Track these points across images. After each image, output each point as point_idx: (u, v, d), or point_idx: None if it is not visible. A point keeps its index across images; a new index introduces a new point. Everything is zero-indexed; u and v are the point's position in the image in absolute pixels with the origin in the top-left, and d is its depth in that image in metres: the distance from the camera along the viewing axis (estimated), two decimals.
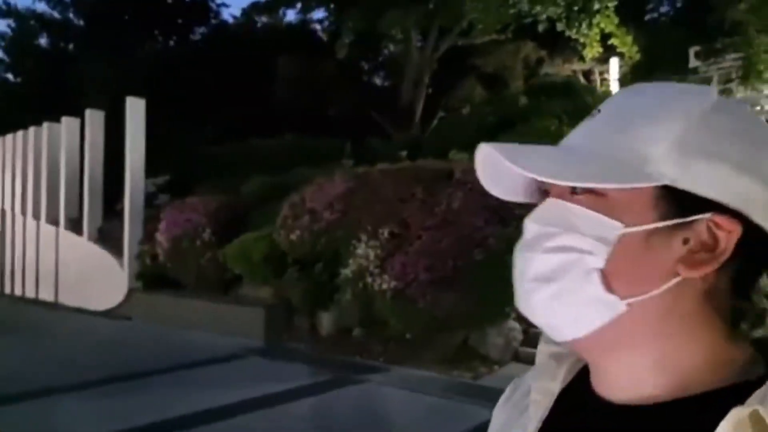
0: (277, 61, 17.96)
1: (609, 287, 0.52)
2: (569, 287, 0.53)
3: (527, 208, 0.59)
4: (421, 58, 16.71)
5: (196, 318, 9.21)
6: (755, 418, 0.45)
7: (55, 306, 12.50)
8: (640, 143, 0.52)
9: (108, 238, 11.92)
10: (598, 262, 0.52)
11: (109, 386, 6.26)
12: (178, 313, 9.61)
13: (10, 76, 24.81)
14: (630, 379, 0.54)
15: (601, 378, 0.57)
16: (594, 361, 0.58)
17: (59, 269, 12.74)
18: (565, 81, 14.87)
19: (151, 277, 10.73)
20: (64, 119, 12.93)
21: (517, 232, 0.58)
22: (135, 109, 11.34)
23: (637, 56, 14.67)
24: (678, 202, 0.52)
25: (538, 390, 0.63)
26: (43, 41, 23.87)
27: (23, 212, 14.05)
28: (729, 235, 0.51)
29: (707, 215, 0.51)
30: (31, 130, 13.84)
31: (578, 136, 0.57)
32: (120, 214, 11.77)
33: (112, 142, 12.21)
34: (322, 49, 18.61)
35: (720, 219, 0.51)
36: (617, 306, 0.52)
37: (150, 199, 12.30)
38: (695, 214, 0.52)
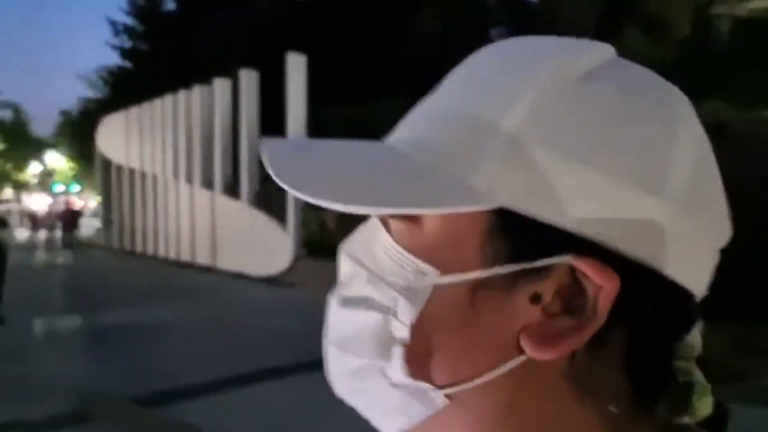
0: (412, 16, 16.97)
1: (418, 370, 0.34)
2: (368, 365, 0.35)
3: None
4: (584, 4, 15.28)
5: None
6: None
7: (212, 270, 12.43)
8: (465, 140, 0.32)
9: (266, 203, 11.59)
10: (402, 329, 0.34)
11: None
12: None
13: (139, 44, 25.39)
14: None
15: None
16: None
17: (217, 234, 12.61)
18: None
19: (318, 245, 10.27)
20: (217, 80, 12.64)
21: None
22: (296, 67, 10.77)
23: None
24: (517, 236, 0.32)
25: None
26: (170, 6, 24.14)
27: (176, 177, 14.04)
28: (600, 290, 0.31)
29: (565, 257, 0.31)
30: (182, 93, 13.71)
31: (402, 124, 0.38)
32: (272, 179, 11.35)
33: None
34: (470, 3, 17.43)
35: (585, 263, 0.31)
36: (432, 399, 0.34)
37: None
38: (547, 255, 0.31)
